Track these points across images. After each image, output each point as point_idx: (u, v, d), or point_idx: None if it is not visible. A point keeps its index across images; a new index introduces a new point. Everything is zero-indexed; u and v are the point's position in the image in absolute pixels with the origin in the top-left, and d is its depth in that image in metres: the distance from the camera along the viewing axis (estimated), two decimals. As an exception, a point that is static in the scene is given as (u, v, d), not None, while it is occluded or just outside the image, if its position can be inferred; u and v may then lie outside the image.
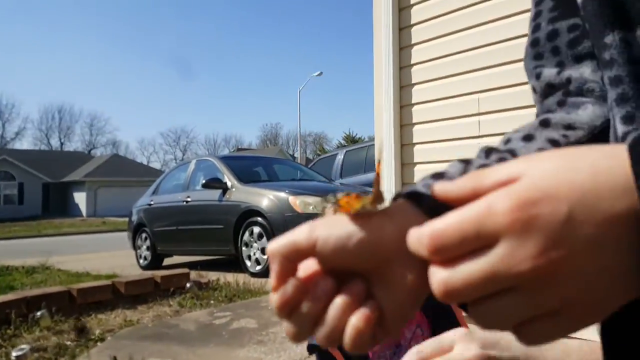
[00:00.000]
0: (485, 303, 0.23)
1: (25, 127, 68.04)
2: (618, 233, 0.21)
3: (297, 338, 0.29)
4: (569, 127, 0.36)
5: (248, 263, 4.74)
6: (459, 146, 2.45)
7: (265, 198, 4.69)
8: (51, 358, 2.26)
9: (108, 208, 28.96)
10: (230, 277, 4.31)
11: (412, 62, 2.66)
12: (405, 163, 2.67)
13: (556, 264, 0.21)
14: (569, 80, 0.38)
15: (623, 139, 0.29)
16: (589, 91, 0.37)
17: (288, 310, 0.28)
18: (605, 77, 0.31)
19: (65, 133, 56.68)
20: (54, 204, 31.57)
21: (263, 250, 4.58)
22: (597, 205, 0.21)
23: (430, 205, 0.30)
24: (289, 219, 4.42)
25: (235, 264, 5.03)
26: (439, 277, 0.23)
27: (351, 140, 26.93)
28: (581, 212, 0.21)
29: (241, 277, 4.29)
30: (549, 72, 0.39)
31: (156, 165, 57.38)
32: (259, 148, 54.99)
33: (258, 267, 4.63)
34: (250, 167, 6.14)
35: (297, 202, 4.48)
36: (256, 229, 4.66)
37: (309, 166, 8.69)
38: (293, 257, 0.28)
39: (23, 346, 2.06)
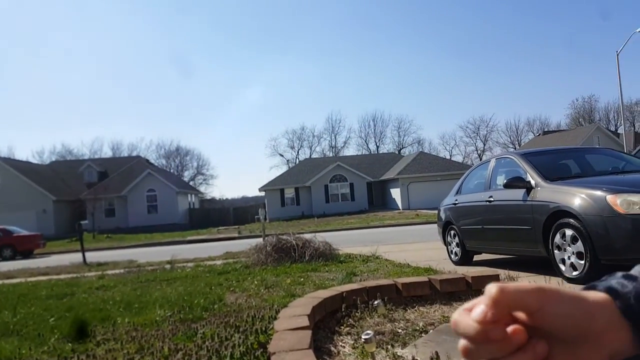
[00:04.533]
0: None
1: (349, 136, 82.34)
2: None
3: (467, 356, 0.37)
4: None
5: (562, 267, 4.42)
6: None
7: (577, 197, 4.27)
8: (387, 342, 2.86)
9: (419, 201, 31.62)
10: (541, 281, 4.16)
11: None
12: None
13: None
14: None
15: None
16: None
17: (478, 343, 0.36)
18: None
19: (379, 137, 64.88)
20: (376, 199, 36.84)
21: (579, 255, 4.19)
22: None
23: (625, 305, 0.38)
24: (609, 221, 3.90)
25: (546, 264, 4.78)
26: None
27: None
28: None
29: (554, 282, 4.08)
30: None
31: (458, 158, 58.59)
32: (570, 128, 48.25)
33: (575, 273, 4.27)
34: (556, 161, 5.65)
35: (618, 202, 3.89)
36: (568, 232, 4.31)
37: (637, 150, 7.17)
38: (512, 308, 0.36)
39: (369, 331, 2.69)
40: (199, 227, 31.83)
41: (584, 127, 44.38)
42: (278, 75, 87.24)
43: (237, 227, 26.84)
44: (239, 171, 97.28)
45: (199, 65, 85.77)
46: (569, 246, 4.32)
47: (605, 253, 3.98)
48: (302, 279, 5.37)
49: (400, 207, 32.72)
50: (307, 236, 7.92)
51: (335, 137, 65.79)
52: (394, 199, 34.65)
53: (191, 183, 54.88)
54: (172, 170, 56.21)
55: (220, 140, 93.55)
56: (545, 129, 51.01)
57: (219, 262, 8.39)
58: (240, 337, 2.86)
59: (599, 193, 4.10)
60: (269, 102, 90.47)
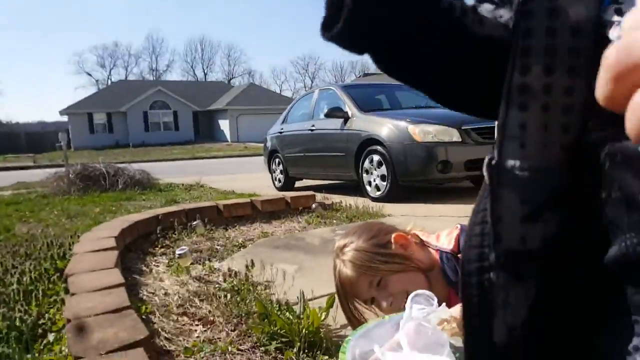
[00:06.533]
0: None
1: (173, 59, 75.87)
2: None
3: None
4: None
5: (368, 188, 4.99)
6: None
7: (385, 127, 4.77)
8: (205, 258, 2.81)
9: (248, 133, 31.73)
10: (351, 201, 4.61)
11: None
12: None
13: None
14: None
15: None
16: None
17: None
18: None
19: (207, 64, 61.41)
20: (204, 130, 35.58)
21: (382, 177, 4.77)
22: None
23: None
24: (408, 148, 4.48)
25: (356, 188, 5.33)
26: None
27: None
28: None
29: (361, 201, 4.56)
30: None
31: (288, 93, 59.80)
32: (387, 72, 53.44)
33: (378, 193, 4.86)
34: (371, 95, 6.17)
35: (417, 131, 4.48)
36: (376, 157, 4.83)
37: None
38: None
39: (184, 247, 2.59)
40: (-20, 154, 26.29)
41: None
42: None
43: (31, 155, 22.95)
44: (34, 91, 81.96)
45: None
46: (375, 170, 4.86)
47: (403, 176, 4.59)
48: (114, 208, 4.89)
49: (229, 140, 32.41)
50: (122, 165, 7.20)
51: (156, 59, 59.82)
52: (223, 130, 34.06)
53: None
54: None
55: (5, 49, 76.35)
56: (366, 72, 55.54)
57: (7, 193, 7.08)
58: (31, 264, 2.46)
59: (402, 123, 4.63)
60: (73, 8, 76.62)
